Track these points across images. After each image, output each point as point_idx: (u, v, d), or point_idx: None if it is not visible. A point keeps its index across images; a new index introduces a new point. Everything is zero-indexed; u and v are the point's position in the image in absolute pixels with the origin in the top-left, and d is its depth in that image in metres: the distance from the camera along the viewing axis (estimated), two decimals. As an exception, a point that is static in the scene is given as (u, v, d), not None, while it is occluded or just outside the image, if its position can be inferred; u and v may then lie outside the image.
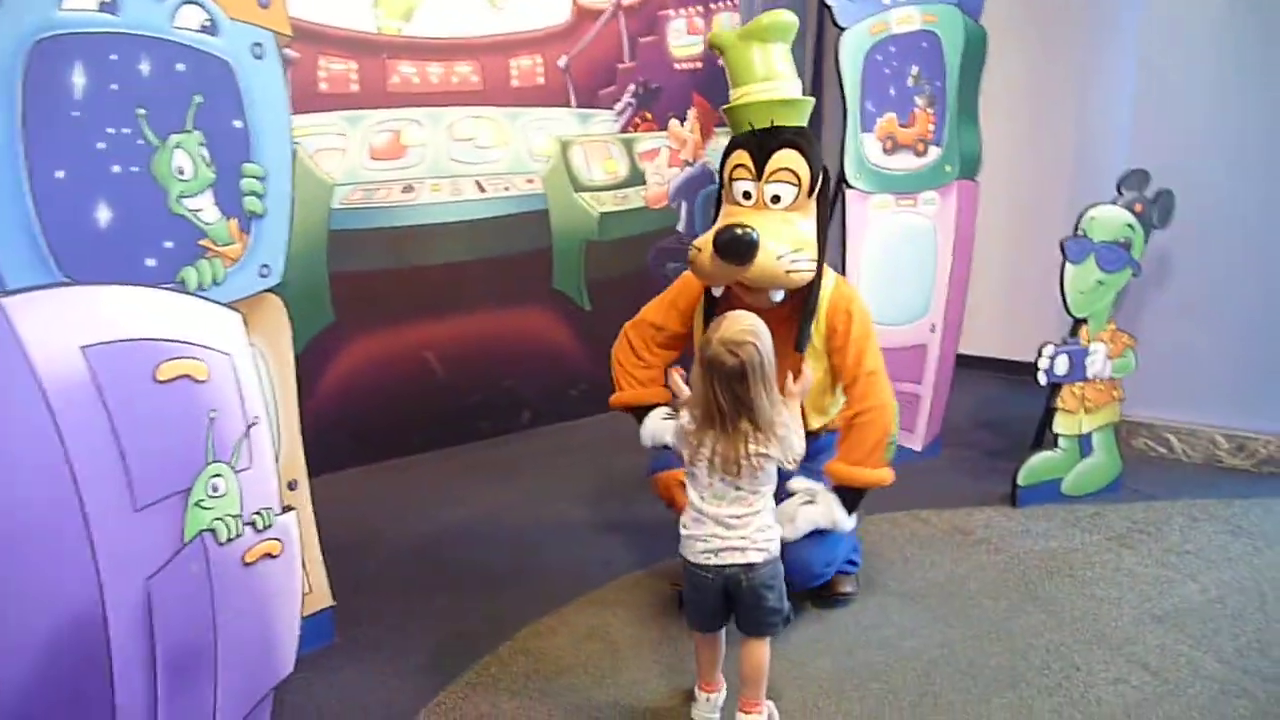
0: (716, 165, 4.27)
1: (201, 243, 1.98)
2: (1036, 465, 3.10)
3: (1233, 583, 2.57)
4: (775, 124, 2.18)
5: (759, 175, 2.17)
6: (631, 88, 3.99)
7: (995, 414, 4.04)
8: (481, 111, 3.63)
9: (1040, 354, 2.99)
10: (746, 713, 1.97)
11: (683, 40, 4.10)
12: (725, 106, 2.25)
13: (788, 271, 2.13)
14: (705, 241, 2.15)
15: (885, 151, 3.22)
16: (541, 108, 3.78)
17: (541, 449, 3.82)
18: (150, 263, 1.91)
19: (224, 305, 1.70)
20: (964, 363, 4.03)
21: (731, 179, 2.21)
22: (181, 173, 1.93)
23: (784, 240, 2.13)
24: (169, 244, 1.93)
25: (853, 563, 2.55)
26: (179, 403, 1.60)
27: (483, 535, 3.02)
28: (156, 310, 1.59)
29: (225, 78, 1.97)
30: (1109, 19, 3.98)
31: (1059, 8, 4.19)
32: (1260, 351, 3.33)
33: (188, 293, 1.68)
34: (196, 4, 1.90)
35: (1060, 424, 3.08)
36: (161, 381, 1.57)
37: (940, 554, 2.80)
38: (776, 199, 2.17)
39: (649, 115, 4.07)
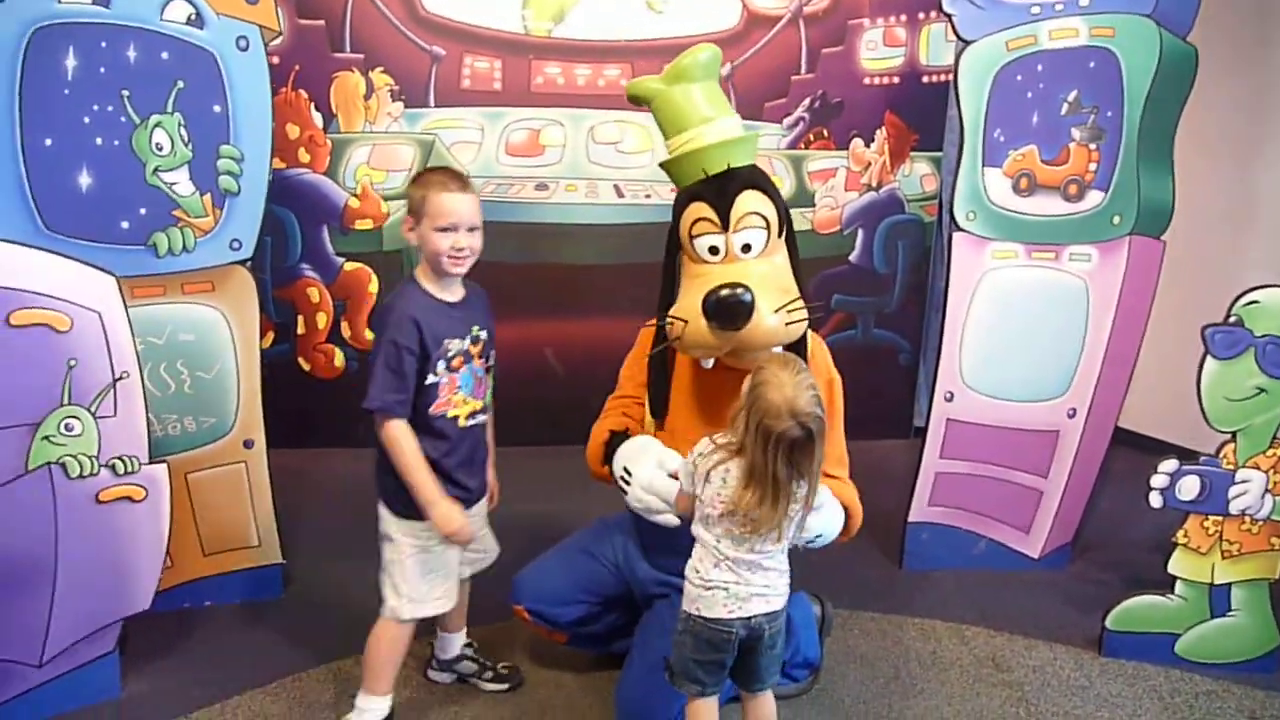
0: (905, 193, 3.90)
1: (175, 213, 2.22)
2: (1134, 610, 2.40)
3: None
4: (731, 167, 1.91)
5: (725, 225, 1.89)
6: (806, 101, 3.69)
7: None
8: (628, 116, 3.58)
9: (1158, 469, 2.30)
10: None
11: (878, 53, 3.69)
12: (665, 160, 1.99)
13: (787, 324, 1.86)
14: (688, 309, 1.87)
15: (1018, 191, 2.64)
16: (696, 116, 3.63)
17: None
18: (125, 225, 2.18)
19: (98, 269, 1.91)
20: (1152, 448, 3.21)
21: (692, 236, 1.92)
22: (160, 148, 2.18)
23: (775, 291, 1.86)
24: (143, 210, 2.19)
25: (791, 677, 2.18)
26: (33, 346, 1.82)
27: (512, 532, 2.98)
28: (21, 267, 1.82)
29: (208, 66, 2.18)
30: None
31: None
32: None
33: (67, 256, 1.89)
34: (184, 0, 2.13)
35: (1179, 564, 2.34)
36: (15, 326, 1.80)
37: (943, 685, 2.28)
38: (747, 248, 1.90)
39: (826, 132, 3.73)
